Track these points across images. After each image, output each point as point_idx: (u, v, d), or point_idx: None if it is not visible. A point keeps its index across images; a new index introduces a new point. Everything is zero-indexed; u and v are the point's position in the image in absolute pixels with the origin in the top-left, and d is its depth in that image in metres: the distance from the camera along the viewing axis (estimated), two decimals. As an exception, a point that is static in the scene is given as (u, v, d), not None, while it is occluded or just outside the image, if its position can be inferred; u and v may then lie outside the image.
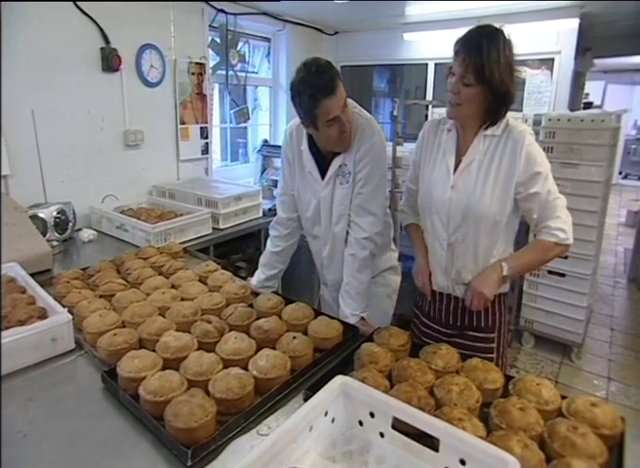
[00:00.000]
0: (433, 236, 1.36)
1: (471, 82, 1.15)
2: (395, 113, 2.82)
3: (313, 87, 1.27)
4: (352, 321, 1.40)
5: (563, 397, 0.97)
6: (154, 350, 1.08)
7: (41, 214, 2.00)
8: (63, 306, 1.25)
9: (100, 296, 1.39)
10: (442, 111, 1.36)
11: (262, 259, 1.70)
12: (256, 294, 1.47)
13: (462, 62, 1.14)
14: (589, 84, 5.94)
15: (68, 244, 2.13)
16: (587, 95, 6.25)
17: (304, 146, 1.50)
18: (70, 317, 1.18)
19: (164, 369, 1.01)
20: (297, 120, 1.52)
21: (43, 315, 1.24)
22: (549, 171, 1.23)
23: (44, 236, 1.92)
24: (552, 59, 3.28)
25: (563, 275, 2.79)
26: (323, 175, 1.50)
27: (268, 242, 1.72)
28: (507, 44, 1.16)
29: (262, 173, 3.58)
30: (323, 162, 1.49)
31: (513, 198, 1.25)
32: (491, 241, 1.28)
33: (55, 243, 2.03)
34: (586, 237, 2.67)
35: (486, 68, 1.12)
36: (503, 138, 1.22)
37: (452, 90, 1.19)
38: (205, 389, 0.95)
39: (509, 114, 1.25)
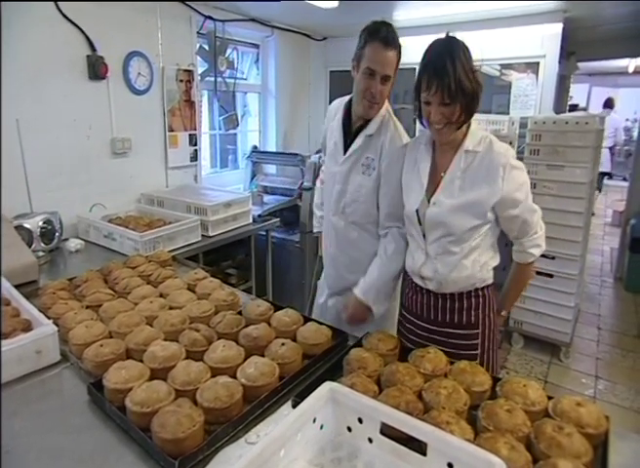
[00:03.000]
0: (415, 245, 1.38)
1: (448, 101, 1.17)
2: (383, 118, 2.83)
3: (377, 29, 1.35)
4: (355, 291, 1.48)
5: (549, 397, 0.98)
6: (142, 360, 1.07)
7: (26, 225, 1.97)
8: (49, 318, 1.23)
9: (87, 307, 1.38)
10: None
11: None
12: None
13: (436, 90, 1.16)
14: (574, 87, 6.04)
15: (55, 254, 2.10)
16: (572, 97, 6.35)
17: (339, 115, 1.59)
18: (55, 329, 1.17)
19: (151, 379, 1.00)
20: (342, 99, 1.64)
21: (27, 327, 1.22)
22: (529, 188, 1.26)
23: (29, 246, 1.90)
24: (537, 63, 3.32)
25: (551, 276, 2.82)
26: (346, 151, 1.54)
27: (314, 217, 1.92)
28: (465, 50, 1.19)
29: (252, 179, 3.58)
30: (349, 137, 1.54)
31: (493, 214, 1.27)
32: (473, 251, 1.29)
33: (41, 253, 2.00)
34: (573, 238, 2.71)
35: (454, 84, 1.15)
36: (486, 158, 1.23)
37: (435, 118, 1.20)
38: (193, 398, 0.94)
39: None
